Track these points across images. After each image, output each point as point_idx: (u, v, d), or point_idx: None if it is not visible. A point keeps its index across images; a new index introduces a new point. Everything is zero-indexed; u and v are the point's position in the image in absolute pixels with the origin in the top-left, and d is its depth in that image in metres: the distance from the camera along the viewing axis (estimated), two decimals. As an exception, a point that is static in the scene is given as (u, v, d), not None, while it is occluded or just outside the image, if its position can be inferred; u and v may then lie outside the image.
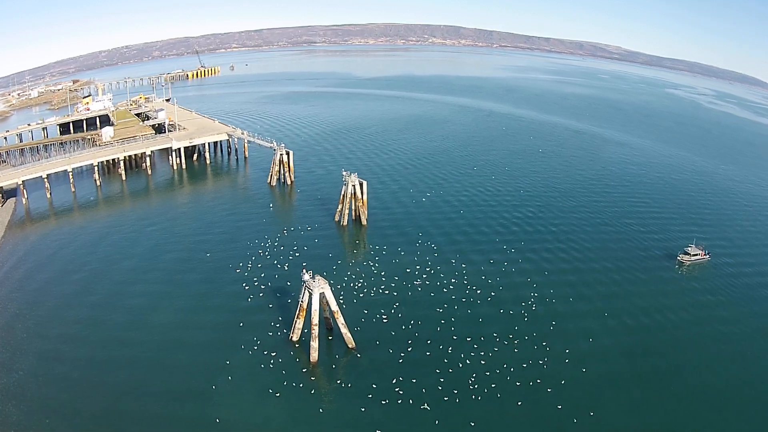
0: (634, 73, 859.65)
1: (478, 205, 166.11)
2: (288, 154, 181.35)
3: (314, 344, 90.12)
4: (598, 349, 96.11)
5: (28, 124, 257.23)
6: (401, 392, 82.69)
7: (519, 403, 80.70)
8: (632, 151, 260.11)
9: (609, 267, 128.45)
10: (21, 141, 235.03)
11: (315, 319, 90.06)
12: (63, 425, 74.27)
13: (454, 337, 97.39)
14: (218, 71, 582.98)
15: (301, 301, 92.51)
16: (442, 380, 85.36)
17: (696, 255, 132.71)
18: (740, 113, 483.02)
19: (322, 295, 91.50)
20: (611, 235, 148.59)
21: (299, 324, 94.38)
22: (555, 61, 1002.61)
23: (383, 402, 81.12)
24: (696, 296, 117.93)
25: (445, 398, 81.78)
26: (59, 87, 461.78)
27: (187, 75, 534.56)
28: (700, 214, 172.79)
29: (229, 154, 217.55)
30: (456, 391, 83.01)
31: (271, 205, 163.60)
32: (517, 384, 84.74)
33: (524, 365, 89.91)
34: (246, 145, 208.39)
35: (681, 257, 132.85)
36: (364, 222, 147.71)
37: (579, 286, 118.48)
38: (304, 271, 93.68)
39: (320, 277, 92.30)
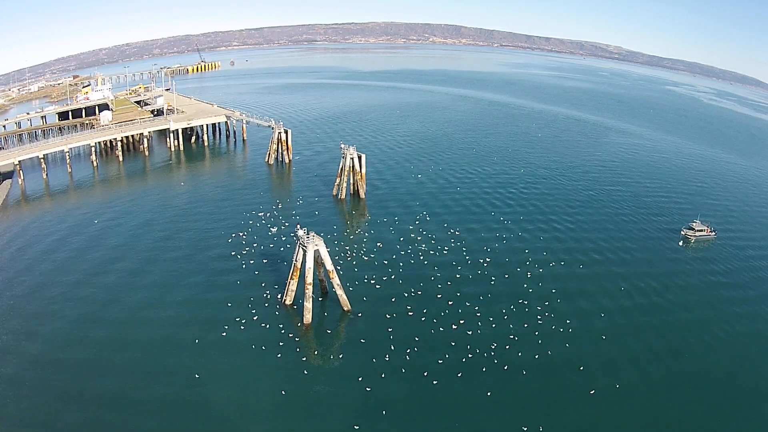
0: (634, 71, 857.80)
1: (478, 183, 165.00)
2: (286, 132, 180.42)
3: (308, 305, 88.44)
4: (602, 316, 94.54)
5: (27, 113, 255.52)
6: (396, 356, 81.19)
7: (524, 372, 78.87)
8: (634, 138, 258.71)
9: (610, 239, 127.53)
10: (20, 128, 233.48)
11: (309, 278, 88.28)
12: (70, 405, 71.95)
13: (450, 302, 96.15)
14: (218, 66, 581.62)
15: (295, 261, 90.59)
16: (439, 347, 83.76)
17: (701, 231, 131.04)
18: (740, 110, 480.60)
19: (316, 252, 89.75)
20: (614, 211, 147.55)
21: (293, 286, 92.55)
22: (555, 60, 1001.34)
23: (375, 362, 79.86)
24: (704, 271, 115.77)
25: (439, 361, 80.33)
26: (59, 82, 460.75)
27: (188, 69, 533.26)
28: (705, 196, 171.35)
29: (227, 136, 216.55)
30: (448, 356, 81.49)
31: (268, 182, 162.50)
32: (519, 354, 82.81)
33: (526, 333, 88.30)
34: (244, 126, 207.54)
35: (685, 232, 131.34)
36: (362, 195, 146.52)
37: (579, 255, 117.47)
38: (298, 226, 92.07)
39: (314, 234, 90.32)
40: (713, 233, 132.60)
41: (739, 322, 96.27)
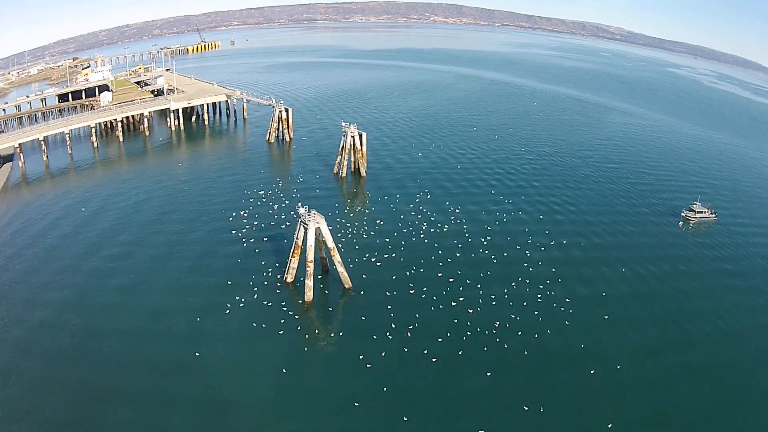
0: (635, 53, 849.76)
1: (478, 162, 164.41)
2: (287, 111, 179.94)
3: (309, 283, 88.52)
4: (602, 296, 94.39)
5: (27, 96, 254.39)
6: (397, 334, 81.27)
7: (525, 352, 78.80)
8: (635, 118, 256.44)
9: (609, 220, 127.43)
10: (19, 111, 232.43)
11: (310, 256, 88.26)
12: (74, 371, 72.85)
13: (450, 280, 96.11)
14: (218, 45, 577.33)
15: (296, 238, 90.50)
16: (439, 325, 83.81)
17: (701, 213, 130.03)
18: (742, 93, 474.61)
19: (317, 230, 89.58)
20: (613, 192, 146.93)
21: (294, 263, 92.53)
22: (557, 40, 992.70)
23: (375, 339, 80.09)
24: (704, 254, 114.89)
25: (439, 339, 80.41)
26: (59, 65, 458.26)
27: (188, 49, 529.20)
28: (706, 178, 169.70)
29: (228, 115, 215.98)
30: (449, 335, 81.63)
31: (269, 160, 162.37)
32: (519, 333, 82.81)
33: (526, 312, 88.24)
34: (245, 105, 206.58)
35: (686, 214, 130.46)
36: (363, 174, 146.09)
37: (577, 236, 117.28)
38: (299, 204, 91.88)
39: (316, 212, 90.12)
40: (714, 216, 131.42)
41: (738, 306, 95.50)
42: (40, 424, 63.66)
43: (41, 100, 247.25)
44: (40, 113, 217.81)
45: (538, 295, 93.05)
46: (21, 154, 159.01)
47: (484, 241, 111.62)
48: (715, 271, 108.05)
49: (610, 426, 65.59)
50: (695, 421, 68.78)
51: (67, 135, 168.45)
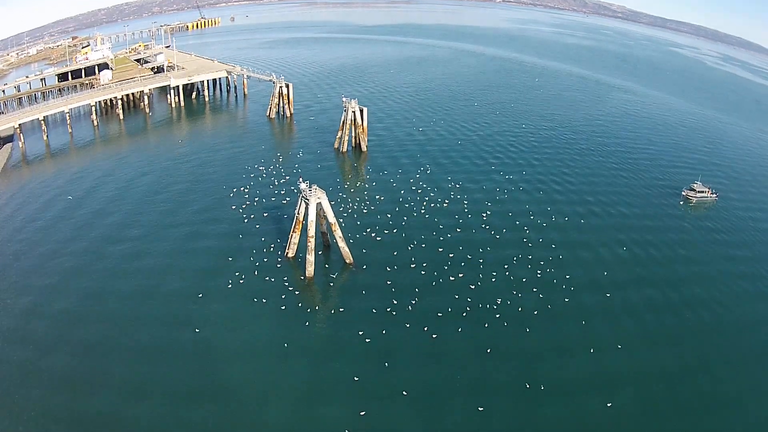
0: (638, 31, 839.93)
1: (479, 137, 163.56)
2: (288, 86, 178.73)
3: (310, 258, 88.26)
4: (604, 274, 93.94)
5: (26, 77, 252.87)
6: (398, 308, 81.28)
7: (527, 330, 78.56)
8: (637, 97, 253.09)
9: (610, 196, 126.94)
10: (19, 92, 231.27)
11: (311, 231, 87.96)
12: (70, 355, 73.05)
13: (451, 255, 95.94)
14: (218, 22, 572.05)
15: (297, 213, 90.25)
16: (440, 299, 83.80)
17: (702, 192, 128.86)
18: (745, 75, 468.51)
19: (318, 205, 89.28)
20: (614, 169, 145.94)
21: (295, 239, 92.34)
22: (558, 17, 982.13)
23: (376, 313, 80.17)
24: (704, 231, 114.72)
25: (439, 314, 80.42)
26: (58, 44, 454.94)
27: (187, 26, 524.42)
28: (708, 158, 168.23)
29: (228, 91, 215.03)
30: (450, 309, 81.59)
31: (270, 135, 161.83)
32: (519, 310, 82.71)
33: (527, 288, 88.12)
34: (245, 81, 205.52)
35: (686, 193, 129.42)
36: (363, 148, 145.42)
37: (577, 213, 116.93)
38: (301, 179, 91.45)
39: (317, 187, 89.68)
40: (715, 195, 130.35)
41: (739, 285, 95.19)
42: (49, 378, 65.40)
43: (41, 80, 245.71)
44: (39, 93, 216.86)
45: (538, 272, 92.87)
46: (21, 135, 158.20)
47: (485, 216, 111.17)
48: (714, 244, 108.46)
49: (609, 405, 65.60)
50: (697, 403, 68.81)
51: (67, 114, 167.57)
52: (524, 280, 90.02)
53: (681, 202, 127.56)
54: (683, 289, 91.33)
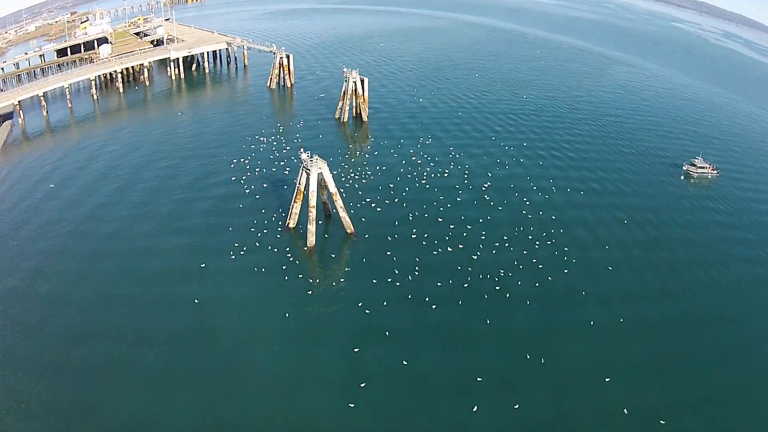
0: (640, 5, 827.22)
1: (479, 109, 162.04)
2: (288, 57, 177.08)
3: (311, 228, 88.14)
4: (604, 248, 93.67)
5: (25, 53, 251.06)
6: (398, 279, 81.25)
7: (527, 302, 78.48)
8: (639, 71, 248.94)
9: (610, 170, 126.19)
10: (18, 69, 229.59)
11: (312, 201, 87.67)
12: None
13: (451, 227, 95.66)
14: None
15: (298, 184, 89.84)
16: (440, 271, 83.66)
17: (703, 168, 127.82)
18: (747, 53, 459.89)
19: (319, 175, 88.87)
20: (615, 143, 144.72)
21: (296, 209, 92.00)
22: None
23: (376, 283, 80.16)
24: (704, 209, 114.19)
25: (438, 284, 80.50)
26: (57, 20, 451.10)
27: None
28: (709, 133, 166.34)
29: (228, 63, 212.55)
30: (451, 282, 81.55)
31: (270, 106, 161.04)
32: (519, 284, 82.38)
33: (527, 260, 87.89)
34: (245, 53, 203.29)
35: (687, 168, 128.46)
36: (364, 119, 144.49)
37: (577, 185, 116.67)
38: (302, 150, 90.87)
39: (318, 157, 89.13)
40: (716, 171, 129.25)
41: (737, 261, 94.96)
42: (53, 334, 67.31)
43: (40, 56, 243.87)
44: (39, 69, 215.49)
45: (537, 243, 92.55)
46: (20, 111, 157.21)
47: (485, 187, 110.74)
48: (714, 222, 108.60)
49: (608, 380, 65.70)
50: (692, 366, 69.52)
51: (67, 89, 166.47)
52: (525, 252, 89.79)
53: (682, 177, 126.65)
54: (681, 269, 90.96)
